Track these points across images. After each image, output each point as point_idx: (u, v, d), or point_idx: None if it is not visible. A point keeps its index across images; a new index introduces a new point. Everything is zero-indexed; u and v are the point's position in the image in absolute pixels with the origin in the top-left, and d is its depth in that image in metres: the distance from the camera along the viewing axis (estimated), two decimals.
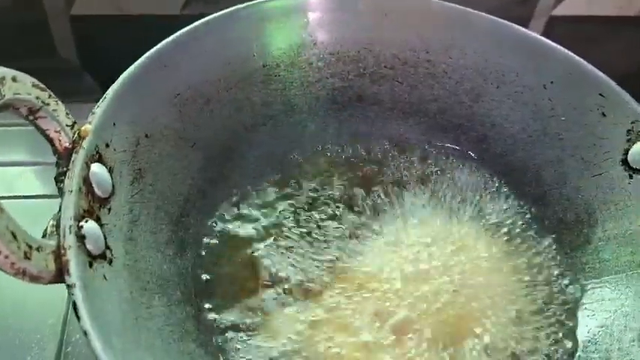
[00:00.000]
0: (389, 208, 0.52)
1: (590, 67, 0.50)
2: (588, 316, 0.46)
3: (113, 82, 0.42)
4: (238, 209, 0.50)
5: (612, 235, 0.47)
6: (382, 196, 0.52)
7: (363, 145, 0.56)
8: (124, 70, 0.43)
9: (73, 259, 0.34)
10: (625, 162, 0.47)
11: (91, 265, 0.35)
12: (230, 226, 0.49)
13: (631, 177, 0.47)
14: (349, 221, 0.51)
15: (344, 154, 0.56)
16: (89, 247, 0.36)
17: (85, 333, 0.31)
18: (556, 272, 0.49)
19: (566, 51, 0.51)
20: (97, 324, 0.32)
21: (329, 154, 0.55)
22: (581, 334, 0.45)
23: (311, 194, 0.52)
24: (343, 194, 0.52)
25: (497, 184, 0.54)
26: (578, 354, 0.44)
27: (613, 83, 0.49)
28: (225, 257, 0.47)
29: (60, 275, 0.34)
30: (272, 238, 0.49)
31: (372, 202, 0.52)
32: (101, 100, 0.41)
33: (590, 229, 0.49)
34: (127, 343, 0.34)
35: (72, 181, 0.36)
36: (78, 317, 0.32)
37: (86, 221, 0.36)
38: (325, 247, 0.48)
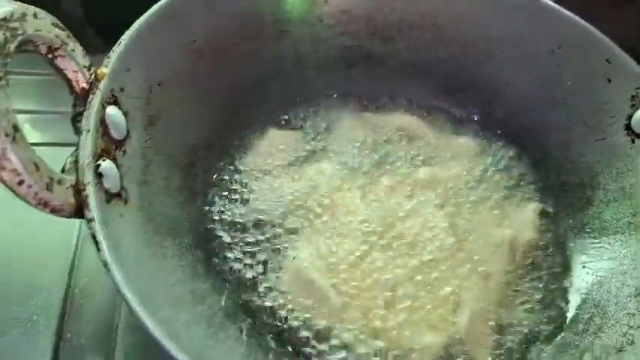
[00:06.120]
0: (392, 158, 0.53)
1: (597, 33, 0.50)
2: (587, 273, 0.47)
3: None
4: (240, 161, 0.51)
5: (613, 198, 0.49)
6: (385, 147, 0.54)
7: (370, 103, 0.57)
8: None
9: (92, 194, 0.34)
10: (628, 127, 0.49)
11: (108, 202, 0.36)
12: (234, 177, 0.50)
13: (633, 142, 0.48)
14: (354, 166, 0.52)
15: (349, 110, 0.56)
16: (106, 185, 0.36)
17: (104, 263, 0.32)
18: (556, 232, 0.50)
19: (574, 16, 0.52)
20: (116, 256, 0.33)
21: (336, 110, 0.56)
22: (579, 289, 0.47)
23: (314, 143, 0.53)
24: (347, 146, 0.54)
25: (499, 146, 0.55)
26: (575, 305, 0.46)
27: (619, 50, 0.49)
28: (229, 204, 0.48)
29: (79, 210, 0.35)
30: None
31: (375, 154, 0.53)
32: (117, 44, 0.41)
33: (592, 191, 0.50)
34: (143, 277, 0.35)
35: (89, 121, 0.37)
36: (98, 249, 0.33)
37: (103, 160, 0.37)
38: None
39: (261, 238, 0.47)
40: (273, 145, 0.53)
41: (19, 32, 0.33)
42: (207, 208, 0.47)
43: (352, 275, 0.44)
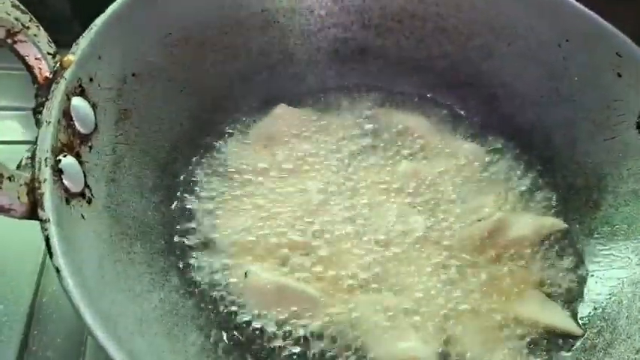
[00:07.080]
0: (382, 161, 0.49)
1: (607, 24, 0.47)
2: (596, 282, 0.44)
3: None
4: (226, 160, 0.48)
5: (624, 202, 0.45)
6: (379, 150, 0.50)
7: (364, 101, 0.53)
8: None
9: (48, 192, 0.31)
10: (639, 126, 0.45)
11: (67, 202, 0.33)
12: (214, 176, 0.47)
13: None
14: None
15: (341, 109, 0.53)
16: (67, 183, 0.33)
17: (57, 269, 0.29)
18: (562, 238, 0.46)
19: (583, 8, 0.48)
20: (71, 262, 0.29)
21: (326, 107, 0.53)
22: (586, 301, 0.43)
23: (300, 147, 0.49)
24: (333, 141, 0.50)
25: (503, 146, 0.52)
26: (583, 321, 0.42)
27: (631, 43, 0.46)
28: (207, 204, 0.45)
29: (33, 210, 0.31)
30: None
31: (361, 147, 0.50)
32: (87, 30, 0.38)
33: (599, 194, 0.47)
34: (103, 285, 0.32)
35: (50, 112, 0.34)
36: (50, 253, 0.29)
37: (64, 156, 0.34)
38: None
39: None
40: (259, 145, 0.49)
41: None
42: (184, 209, 0.44)
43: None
